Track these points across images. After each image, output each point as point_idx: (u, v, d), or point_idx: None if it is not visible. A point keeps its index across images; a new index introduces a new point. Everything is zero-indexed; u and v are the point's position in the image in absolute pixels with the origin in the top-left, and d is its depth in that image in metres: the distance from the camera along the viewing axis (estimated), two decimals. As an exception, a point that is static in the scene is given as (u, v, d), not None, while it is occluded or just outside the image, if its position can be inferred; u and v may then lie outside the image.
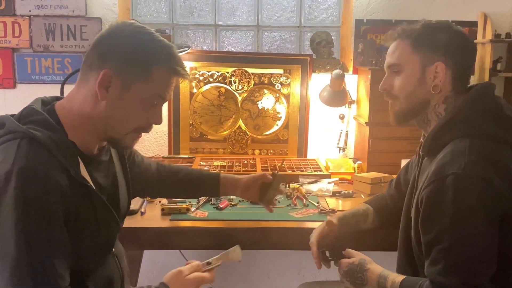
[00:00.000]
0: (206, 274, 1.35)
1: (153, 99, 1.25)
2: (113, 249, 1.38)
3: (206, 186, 1.73)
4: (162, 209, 1.86)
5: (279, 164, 2.41)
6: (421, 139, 1.57)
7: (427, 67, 1.41)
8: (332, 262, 1.54)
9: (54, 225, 1.10)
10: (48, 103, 1.26)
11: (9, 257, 1.06)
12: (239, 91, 2.67)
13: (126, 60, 1.20)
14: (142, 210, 1.87)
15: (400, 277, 1.35)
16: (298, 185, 2.18)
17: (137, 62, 1.20)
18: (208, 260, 1.39)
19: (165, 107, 2.67)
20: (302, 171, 2.38)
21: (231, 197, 2.04)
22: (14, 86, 2.74)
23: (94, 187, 1.23)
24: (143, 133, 1.30)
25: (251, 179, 1.73)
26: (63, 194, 1.12)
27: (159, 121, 1.30)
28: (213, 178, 1.73)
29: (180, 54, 2.46)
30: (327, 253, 1.53)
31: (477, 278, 1.23)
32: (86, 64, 1.22)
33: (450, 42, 1.41)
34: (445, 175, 1.26)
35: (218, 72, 2.65)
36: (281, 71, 2.67)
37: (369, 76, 2.36)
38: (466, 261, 1.22)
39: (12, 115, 1.20)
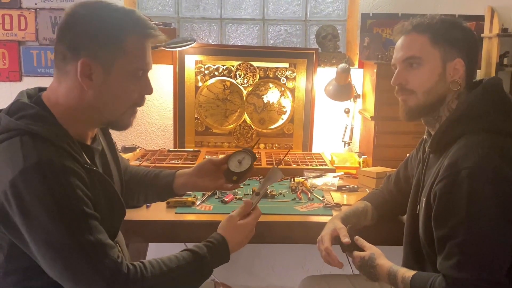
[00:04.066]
0: (255, 213, 1.40)
1: (137, 72, 1.23)
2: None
3: (164, 179, 1.59)
4: (168, 202, 1.87)
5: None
6: (424, 136, 1.56)
7: (447, 63, 1.40)
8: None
9: (84, 204, 1.13)
10: (33, 96, 1.25)
11: (57, 248, 1.09)
12: (245, 85, 2.67)
13: (97, 43, 1.17)
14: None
15: (410, 272, 1.35)
16: (303, 179, 2.18)
17: (108, 40, 1.18)
18: (256, 191, 1.41)
19: (170, 100, 2.69)
20: (307, 165, 2.38)
21: (236, 190, 2.04)
22: (20, 79, 2.75)
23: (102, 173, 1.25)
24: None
25: (202, 163, 1.58)
26: (81, 179, 1.14)
27: (150, 91, 1.28)
28: (171, 172, 1.61)
29: (185, 47, 2.48)
30: (340, 247, 1.53)
31: (492, 272, 1.22)
32: (59, 58, 1.21)
33: (465, 39, 1.41)
34: (459, 169, 1.25)
35: (223, 65, 2.65)
36: (286, 65, 2.67)
37: (375, 70, 2.35)
38: (481, 255, 1.22)
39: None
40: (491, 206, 1.22)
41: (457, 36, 1.40)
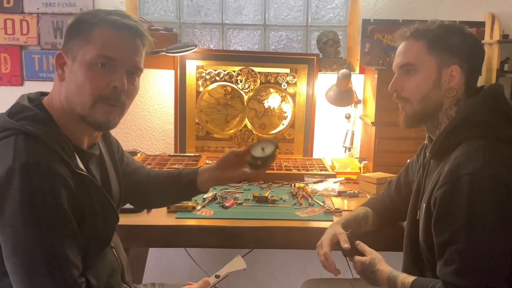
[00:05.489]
0: None
1: (98, 59, 1.21)
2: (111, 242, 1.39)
3: (187, 177, 1.58)
4: (168, 207, 1.87)
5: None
6: (425, 141, 1.56)
7: (443, 70, 1.39)
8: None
9: (63, 215, 1.12)
10: (34, 100, 1.26)
11: (22, 253, 1.08)
12: (246, 90, 2.68)
13: (69, 34, 1.24)
14: (148, 207, 1.88)
15: (410, 278, 1.35)
16: (303, 185, 2.18)
17: (78, 32, 1.23)
18: (216, 274, 1.40)
19: (171, 105, 2.70)
20: (308, 170, 2.38)
21: (237, 195, 2.04)
22: (21, 84, 2.75)
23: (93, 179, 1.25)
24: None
25: (224, 155, 1.56)
26: (67, 185, 1.14)
27: (120, 84, 1.22)
28: (193, 169, 1.60)
29: (186, 52, 2.49)
30: (341, 252, 1.53)
31: (492, 279, 1.22)
32: None
33: (464, 45, 1.40)
34: (459, 176, 1.25)
35: (224, 71, 2.65)
36: (287, 70, 2.67)
37: (376, 76, 2.36)
38: (481, 262, 1.22)
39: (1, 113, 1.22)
40: (491, 212, 1.22)
41: (455, 42, 1.40)
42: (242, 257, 1.42)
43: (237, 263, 1.43)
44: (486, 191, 1.23)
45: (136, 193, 1.59)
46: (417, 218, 1.48)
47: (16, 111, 1.19)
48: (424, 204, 1.40)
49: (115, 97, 1.24)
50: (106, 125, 1.27)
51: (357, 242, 1.50)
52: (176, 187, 1.59)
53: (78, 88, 1.22)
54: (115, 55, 1.23)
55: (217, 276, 1.38)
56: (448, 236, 1.26)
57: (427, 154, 1.48)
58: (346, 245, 1.49)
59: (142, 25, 1.27)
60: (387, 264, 1.43)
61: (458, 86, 1.40)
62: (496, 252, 1.22)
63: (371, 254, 1.46)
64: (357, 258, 1.47)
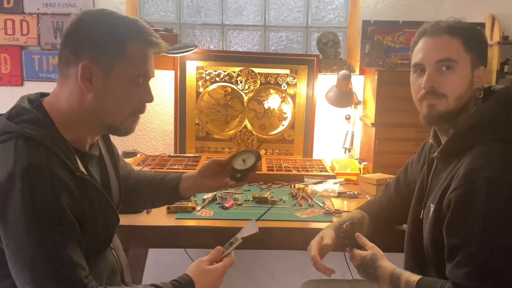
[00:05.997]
0: (226, 261, 1.35)
1: (137, 78, 1.24)
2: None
3: (169, 182, 1.59)
4: (168, 208, 1.87)
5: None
6: (430, 140, 1.53)
7: (474, 70, 1.39)
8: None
9: (65, 218, 1.12)
10: (34, 101, 1.26)
11: (27, 258, 1.08)
12: (246, 91, 2.68)
13: (98, 47, 1.20)
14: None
15: (414, 277, 1.34)
16: (303, 185, 2.18)
17: (109, 45, 1.20)
18: (230, 240, 1.40)
19: (171, 106, 2.69)
20: (308, 171, 2.38)
21: (236, 196, 2.04)
22: (21, 84, 2.75)
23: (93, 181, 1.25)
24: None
25: (206, 164, 1.58)
26: (68, 188, 1.14)
27: (150, 99, 1.29)
28: (176, 175, 1.62)
29: (186, 53, 2.49)
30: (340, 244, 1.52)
31: (504, 284, 1.22)
32: (62, 63, 1.23)
33: (485, 48, 1.41)
34: (476, 179, 1.24)
35: (224, 71, 2.65)
36: (287, 71, 2.67)
37: (376, 77, 2.36)
38: (494, 266, 1.22)
39: (0, 115, 1.21)
40: (507, 217, 1.22)
41: (482, 43, 1.40)
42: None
43: (251, 227, 1.44)
44: (502, 196, 1.22)
45: (126, 196, 1.57)
46: (421, 217, 1.46)
47: (15, 113, 1.19)
48: (431, 205, 1.39)
49: (144, 109, 1.31)
50: (130, 133, 1.32)
51: (357, 234, 1.49)
52: (159, 192, 1.60)
53: (117, 104, 1.24)
54: (149, 73, 1.27)
55: (230, 244, 1.39)
56: (462, 239, 1.25)
57: (435, 154, 1.45)
58: (325, 242, 1.50)
59: (163, 41, 1.30)
60: (388, 261, 1.42)
61: (482, 88, 1.40)
62: (509, 257, 1.22)
63: (372, 249, 1.44)
64: (357, 251, 1.45)
